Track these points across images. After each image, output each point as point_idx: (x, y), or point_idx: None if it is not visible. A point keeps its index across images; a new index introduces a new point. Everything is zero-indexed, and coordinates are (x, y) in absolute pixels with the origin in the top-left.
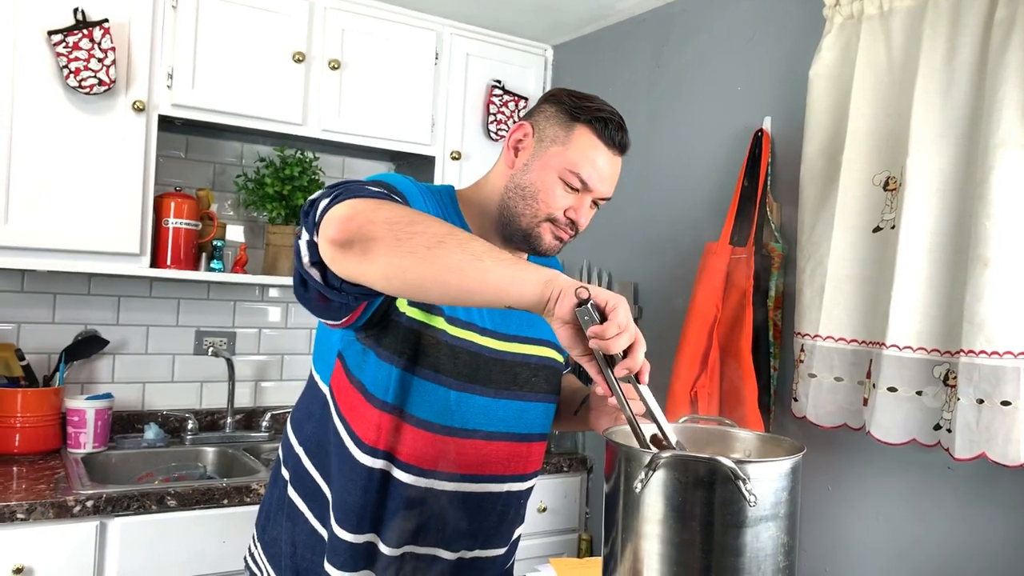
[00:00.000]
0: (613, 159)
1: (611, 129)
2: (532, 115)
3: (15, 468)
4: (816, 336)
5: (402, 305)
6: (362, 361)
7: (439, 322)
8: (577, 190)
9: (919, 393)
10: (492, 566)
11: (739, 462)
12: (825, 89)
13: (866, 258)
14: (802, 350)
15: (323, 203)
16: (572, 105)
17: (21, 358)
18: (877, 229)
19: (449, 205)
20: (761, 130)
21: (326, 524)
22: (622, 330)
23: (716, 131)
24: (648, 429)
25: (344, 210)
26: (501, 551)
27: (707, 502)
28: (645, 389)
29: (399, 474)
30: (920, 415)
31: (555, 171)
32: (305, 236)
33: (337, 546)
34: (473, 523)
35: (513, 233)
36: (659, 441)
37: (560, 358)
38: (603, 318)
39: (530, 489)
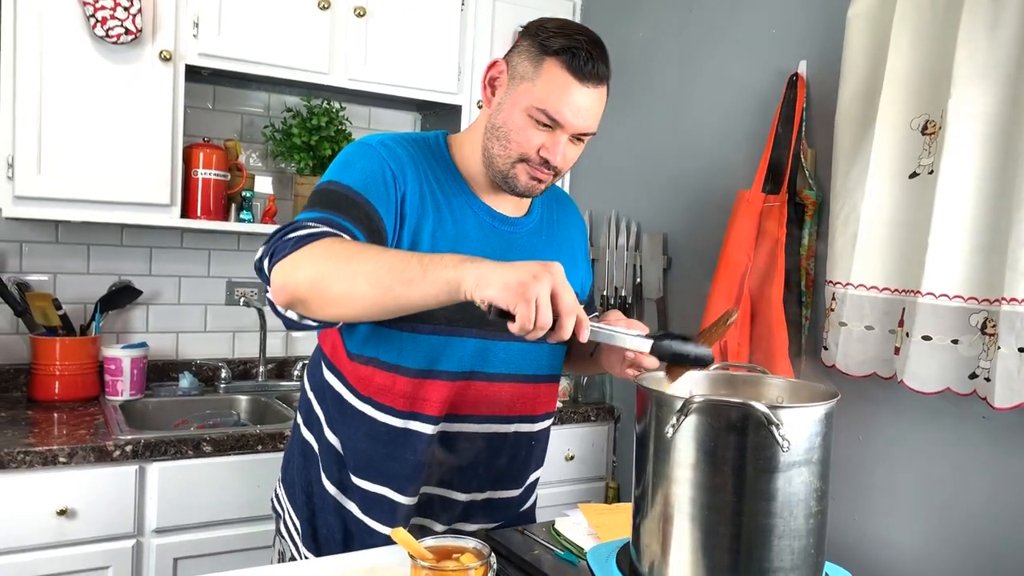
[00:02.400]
0: (586, 91)
1: (580, 60)
2: (509, 51)
3: (56, 414)
4: (847, 284)
5: None
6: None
7: None
8: (548, 127)
9: (955, 342)
10: (507, 507)
11: (772, 407)
12: (863, 29)
13: (901, 204)
14: (833, 298)
15: (264, 265)
16: (542, 37)
17: (58, 308)
18: (914, 175)
19: (437, 152)
20: (796, 74)
21: (338, 471)
22: (533, 323)
23: (750, 76)
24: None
25: (275, 279)
26: (515, 492)
27: (739, 447)
28: (603, 328)
29: (400, 422)
30: (955, 364)
31: (524, 109)
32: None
33: (353, 491)
34: (481, 465)
35: (494, 175)
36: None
37: None
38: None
39: (544, 431)
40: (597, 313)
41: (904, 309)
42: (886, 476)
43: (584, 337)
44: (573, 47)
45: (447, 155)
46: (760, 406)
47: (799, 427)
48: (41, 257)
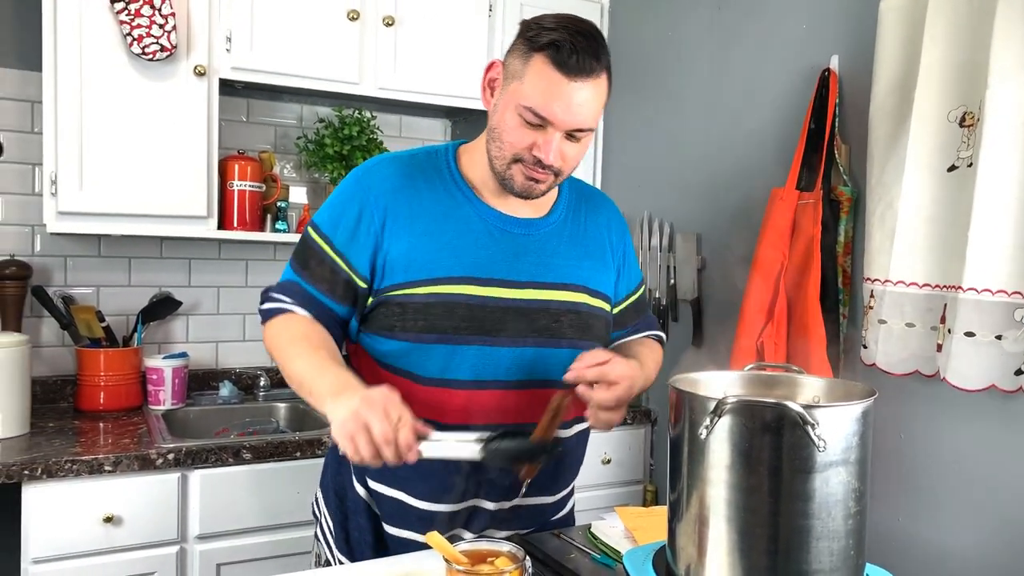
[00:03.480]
0: (574, 86)
1: (564, 54)
2: (508, 51)
3: (101, 424)
4: (886, 281)
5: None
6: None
7: (419, 289)
8: (540, 126)
9: (999, 337)
10: (540, 514)
11: (807, 407)
12: (896, 22)
13: (940, 199)
14: (872, 296)
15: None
16: (531, 33)
17: (101, 320)
18: (952, 168)
19: (442, 166)
20: (828, 70)
21: (363, 479)
22: (361, 458)
23: (781, 73)
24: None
25: (264, 336)
26: (548, 500)
27: (775, 447)
28: (433, 443)
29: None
30: (1000, 360)
31: (514, 108)
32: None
33: (374, 495)
34: (505, 473)
35: (496, 177)
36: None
37: (598, 302)
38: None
39: (576, 437)
40: (629, 329)
41: (946, 305)
42: (931, 476)
43: (413, 459)
44: (558, 41)
45: (454, 166)
46: (795, 406)
47: (835, 427)
48: (85, 271)
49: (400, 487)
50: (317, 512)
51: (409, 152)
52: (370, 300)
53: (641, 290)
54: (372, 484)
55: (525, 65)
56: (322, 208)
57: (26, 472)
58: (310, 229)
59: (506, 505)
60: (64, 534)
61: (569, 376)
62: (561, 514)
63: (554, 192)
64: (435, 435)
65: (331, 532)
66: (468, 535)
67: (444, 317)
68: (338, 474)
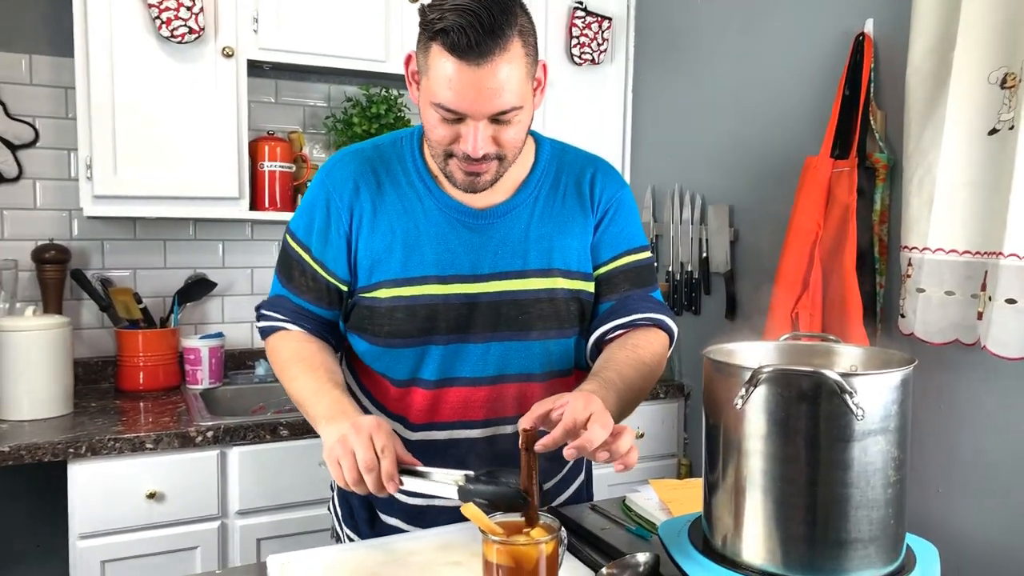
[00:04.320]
0: (479, 73)
1: (457, 37)
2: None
3: (141, 403)
4: (925, 249)
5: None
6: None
7: (381, 292)
8: (457, 120)
9: None
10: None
11: (845, 375)
12: None
13: (980, 163)
14: (909, 264)
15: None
16: (425, 19)
17: (139, 301)
18: (993, 131)
19: (407, 155)
20: (863, 34)
21: None
22: (347, 484)
23: (814, 38)
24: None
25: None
26: (545, 486)
27: (812, 416)
28: (413, 477)
29: (393, 426)
30: None
31: (429, 106)
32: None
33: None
34: (490, 466)
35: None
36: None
37: (576, 284)
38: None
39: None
40: (616, 302)
41: (986, 272)
42: (970, 447)
43: (392, 490)
44: (448, 26)
45: (417, 154)
46: (832, 374)
47: (874, 395)
48: (121, 254)
49: None
50: (333, 485)
51: (373, 142)
52: (348, 300)
53: (638, 257)
54: None
55: (426, 57)
56: (296, 212)
57: (71, 450)
58: (288, 237)
59: None
60: (109, 510)
61: (540, 449)
62: (560, 500)
63: (524, 168)
64: (422, 468)
65: (339, 507)
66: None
67: (407, 321)
68: None
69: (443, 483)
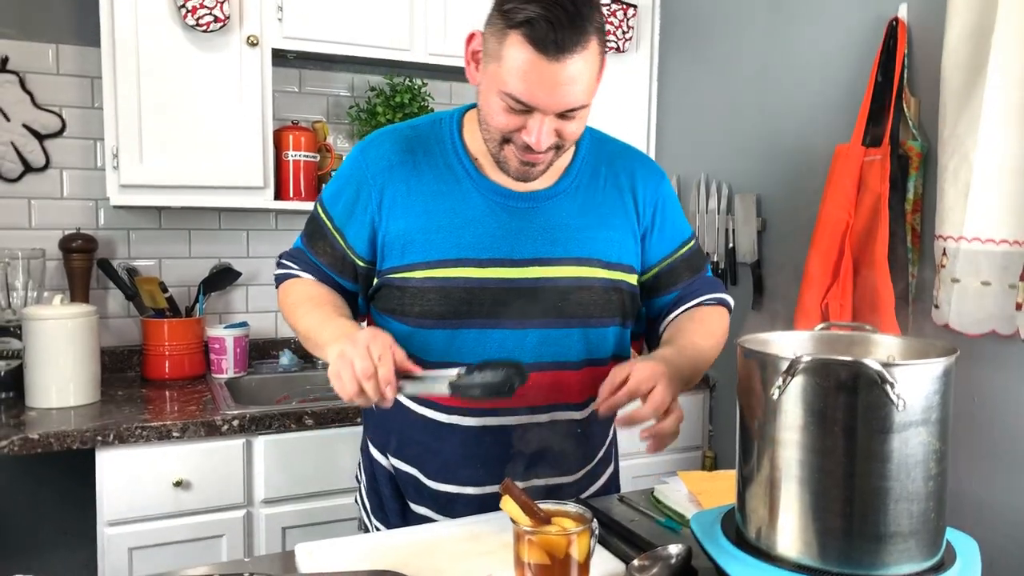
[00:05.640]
0: (557, 67)
1: (541, 31)
2: (486, 21)
3: (167, 392)
4: (960, 238)
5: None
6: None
7: (415, 272)
8: (524, 111)
9: None
10: (561, 494)
11: (886, 365)
12: None
13: (1019, 152)
14: (944, 254)
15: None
16: (505, 7)
17: (164, 291)
18: None
19: (446, 137)
20: (896, 19)
21: (384, 451)
22: (348, 396)
23: (845, 23)
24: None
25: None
26: (568, 479)
27: (850, 407)
28: (410, 382)
29: (423, 411)
30: None
31: (495, 92)
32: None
33: (399, 474)
34: (528, 455)
35: (492, 158)
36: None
37: (617, 275)
38: None
39: (591, 417)
40: (680, 291)
41: None
42: (1006, 439)
43: (391, 395)
44: (533, 17)
45: (456, 136)
46: (873, 363)
47: (915, 385)
48: (147, 243)
49: (414, 464)
50: (359, 477)
51: (412, 123)
52: (374, 280)
53: (690, 245)
54: (391, 459)
55: (501, 45)
56: (330, 181)
57: (99, 438)
58: (317, 203)
59: (538, 483)
60: (136, 498)
61: (602, 411)
62: (587, 493)
63: (567, 156)
64: (419, 373)
65: (367, 498)
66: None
67: (440, 302)
68: (367, 441)
69: (438, 380)
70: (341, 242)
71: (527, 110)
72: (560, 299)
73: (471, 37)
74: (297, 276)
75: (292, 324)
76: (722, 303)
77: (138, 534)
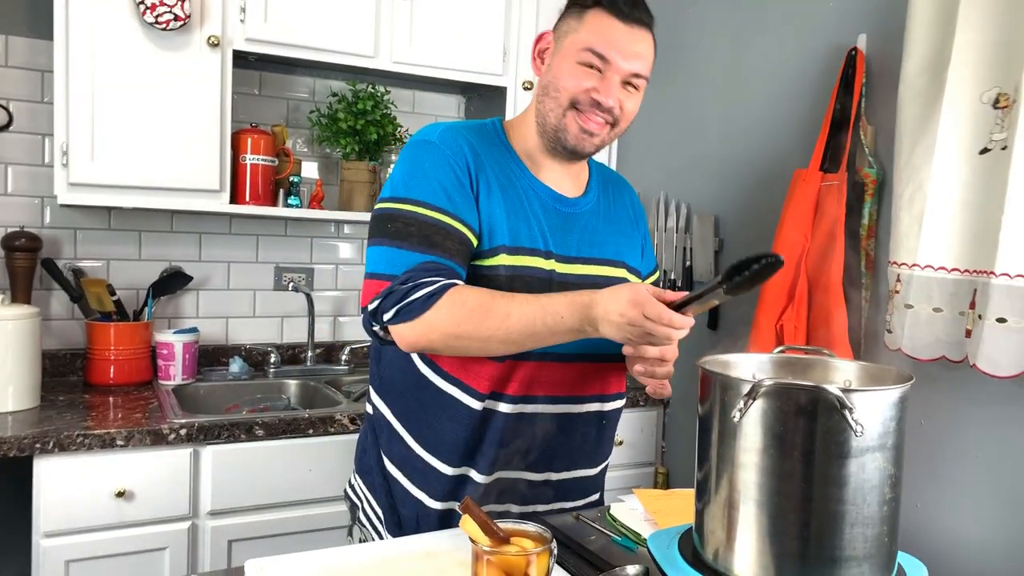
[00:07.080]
0: (632, 32)
1: (620, 3)
2: (556, 23)
3: (111, 398)
4: (914, 265)
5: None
6: None
7: (499, 259)
8: (597, 68)
9: None
10: (579, 488)
11: (845, 390)
12: (929, 0)
13: (972, 182)
14: (898, 280)
15: (385, 318)
16: (578, 1)
17: (112, 293)
18: (985, 151)
19: (496, 138)
20: (855, 49)
21: (415, 454)
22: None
23: (805, 52)
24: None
25: (406, 335)
26: (590, 472)
27: (809, 432)
28: (692, 303)
29: (448, 387)
30: None
31: (572, 57)
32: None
33: (431, 476)
34: (557, 445)
35: (547, 135)
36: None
37: (635, 279)
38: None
39: (615, 411)
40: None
41: (976, 290)
42: (953, 463)
43: (691, 318)
44: None
45: (504, 139)
46: (833, 389)
47: (873, 411)
48: (94, 244)
49: (429, 450)
50: (357, 497)
51: (462, 124)
52: None
53: (656, 276)
54: (434, 462)
55: (580, 21)
56: (410, 183)
57: (38, 445)
58: (410, 207)
59: (553, 478)
60: (76, 508)
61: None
62: (598, 491)
63: (585, 174)
64: (692, 294)
65: (379, 517)
66: (515, 509)
67: (506, 287)
68: (381, 459)
69: (713, 294)
70: (467, 232)
71: (599, 70)
72: None
73: (541, 37)
74: (452, 285)
75: (491, 328)
76: None
77: (76, 546)
